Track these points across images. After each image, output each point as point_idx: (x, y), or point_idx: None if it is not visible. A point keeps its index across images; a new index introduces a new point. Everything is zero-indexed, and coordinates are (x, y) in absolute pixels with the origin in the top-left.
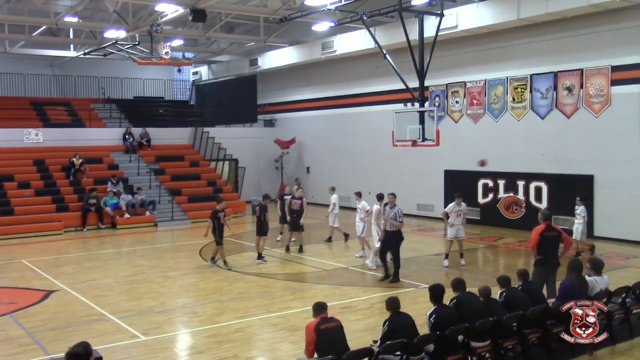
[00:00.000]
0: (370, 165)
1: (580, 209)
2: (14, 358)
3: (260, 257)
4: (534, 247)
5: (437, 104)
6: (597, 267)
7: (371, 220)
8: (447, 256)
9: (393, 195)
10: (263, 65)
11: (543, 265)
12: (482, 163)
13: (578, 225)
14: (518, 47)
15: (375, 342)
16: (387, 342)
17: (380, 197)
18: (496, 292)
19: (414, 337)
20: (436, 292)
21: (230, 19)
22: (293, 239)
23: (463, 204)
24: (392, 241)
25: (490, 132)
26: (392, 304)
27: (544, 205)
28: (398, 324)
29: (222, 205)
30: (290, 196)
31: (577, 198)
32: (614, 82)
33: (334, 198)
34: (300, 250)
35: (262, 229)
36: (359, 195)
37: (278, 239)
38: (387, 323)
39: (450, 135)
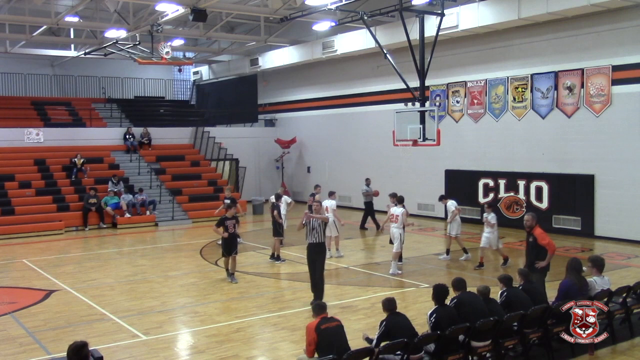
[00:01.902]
0: (370, 164)
1: (490, 216)
2: (14, 357)
3: (278, 257)
4: (554, 251)
5: (437, 103)
6: (599, 266)
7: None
8: (447, 252)
9: (319, 203)
10: (264, 65)
11: (544, 271)
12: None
13: (488, 234)
14: (519, 47)
15: (369, 339)
16: (388, 342)
17: (401, 200)
18: (496, 292)
19: (411, 337)
20: (439, 292)
21: (230, 18)
22: None
23: (449, 201)
24: (315, 255)
25: (490, 131)
26: (389, 304)
27: (544, 205)
28: (394, 324)
29: (232, 212)
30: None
31: (485, 205)
32: (615, 82)
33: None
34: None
35: (277, 230)
36: (331, 194)
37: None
38: (383, 323)
39: (451, 135)
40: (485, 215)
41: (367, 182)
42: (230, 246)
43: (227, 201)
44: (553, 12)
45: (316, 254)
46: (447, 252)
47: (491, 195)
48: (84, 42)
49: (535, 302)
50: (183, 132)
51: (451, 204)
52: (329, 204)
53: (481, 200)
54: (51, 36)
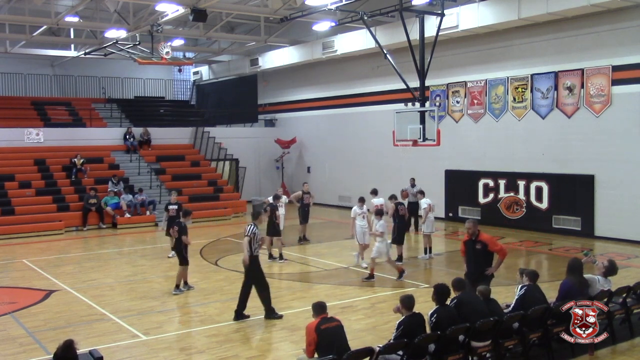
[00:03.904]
0: (370, 165)
1: (379, 224)
2: (14, 357)
3: (281, 257)
4: (505, 256)
5: (437, 103)
6: (610, 271)
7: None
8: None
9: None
10: (264, 65)
11: (491, 278)
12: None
13: (379, 244)
14: (519, 47)
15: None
16: (388, 342)
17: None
18: (497, 292)
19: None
20: (440, 292)
21: (231, 18)
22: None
23: (424, 198)
24: (254, 270)
25: (491, 131)
26: (408, 302)
27: (544, 205)
28: (411, 326)
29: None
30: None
31: (375, 211)
32: (615, 82)
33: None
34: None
35: (275, 230)
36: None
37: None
38: (401, 327)
39: (451, 135)
40: (376, 221)
41: (412, 182)
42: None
43: (173, 207)
44: (553, 12)
45: (260, 269)
46: (430, 249)
47: (491, 195)
48: (84, 42)
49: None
50: (183, 132)
51: (424, 201)
52: (352, 210)
53: (481, 200)
54: (51, 36)
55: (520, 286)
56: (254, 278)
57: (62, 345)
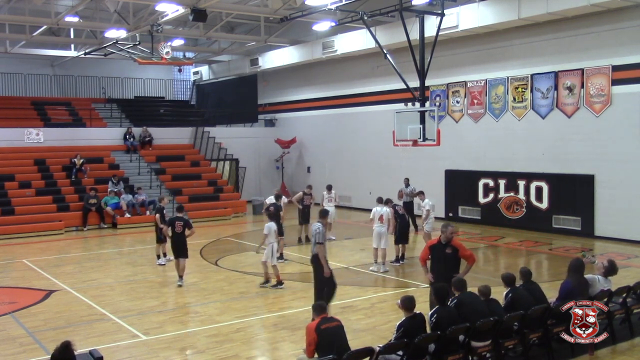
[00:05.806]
0: (370, 165)
1: (266, 227)
2: (14, 357)
3: (281, 257)
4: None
5: (437, 103)
6: (610, 271)
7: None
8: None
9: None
10: (264, 65)
11: None
12: None
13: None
14: (519, 47)
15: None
16: (389, 342)
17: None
18: (496, 292)
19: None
20: (440, 293)
21: (230, 18)
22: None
23: (426, 199)
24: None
25: (490, 131)
26: (408, 303)
27: (544, 205)
28: (411, 328)
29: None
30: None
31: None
32: (615, 82)
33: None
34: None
35: (280, 230)
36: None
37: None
38: (401, 328)
39: (451, 135)
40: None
41: (406, 182)
42: (176, 249)
43: (162, 207)
44: (553, 12)
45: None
46: None
47: (491, 195)
48: (84, 42)
49: (537, 302)
50: (183, 132)
51: (427, 202)
52: (384, 211)
53: (481, 200)
54: (51, 36)
55: (505, 293)
56: (321, 276)
57: (60, 346)
